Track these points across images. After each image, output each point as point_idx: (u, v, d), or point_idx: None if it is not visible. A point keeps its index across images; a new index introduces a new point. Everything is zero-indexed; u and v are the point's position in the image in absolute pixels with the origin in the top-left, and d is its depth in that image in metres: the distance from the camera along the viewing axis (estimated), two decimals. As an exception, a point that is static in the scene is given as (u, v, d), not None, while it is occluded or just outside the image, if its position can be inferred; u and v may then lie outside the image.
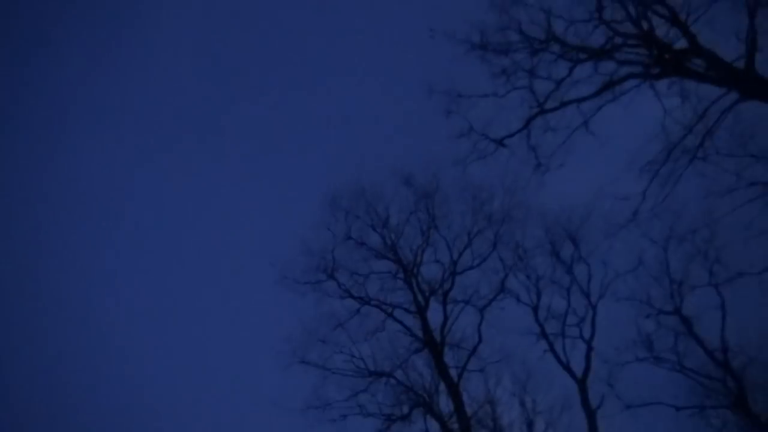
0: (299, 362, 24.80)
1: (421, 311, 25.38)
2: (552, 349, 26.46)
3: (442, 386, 24.56)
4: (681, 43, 17.13)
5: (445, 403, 24.90)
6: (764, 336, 26.37)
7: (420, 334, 25.08)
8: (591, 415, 23.95)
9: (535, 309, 27.50)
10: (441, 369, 23.70)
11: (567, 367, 25.71)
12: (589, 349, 26.18)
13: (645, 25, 18.03)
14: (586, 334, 26.65)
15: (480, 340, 25.23)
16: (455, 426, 22.82)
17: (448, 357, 25.43)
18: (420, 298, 25.69)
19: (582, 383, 25.01)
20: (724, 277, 24.57)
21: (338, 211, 26.44)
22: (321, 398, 24.59)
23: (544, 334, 27.02)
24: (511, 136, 20.22)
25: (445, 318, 25.15)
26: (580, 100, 19.13)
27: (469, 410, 28.84)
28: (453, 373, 24.48)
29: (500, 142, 20.48)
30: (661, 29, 17.84)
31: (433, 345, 24.22)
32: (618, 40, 18.78)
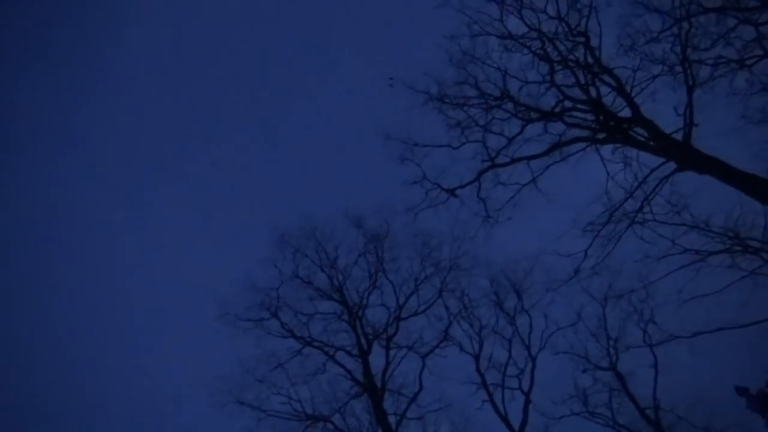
0: (235, 402, 23.97)
1: (364, 355, 25.05)
2: (491, 400, 26.47)
3: (380, 433, 24.17)
4: (625, 112, 18.19)
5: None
6: (693, 397, 27.28)
7: (361, 378, 24.65)
8: (527, 471, 23.88)
9: (477, 358, 27.64)
10: (380, 415, 23.24)
11: (505, 419, 25.69)
12: (527, 401, 26.29)
13: (593, 92, 19.08)
14: (525, 386, 26.83)
15: (421, 388, 25.03)
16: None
17: (388, 403, 25.09)
18: (363, 341, 25.41)
19: (520, 437, 24.98)
20: (658, 338, 25.29)
21: (287, 249, 26.23)
22: (254, 444, 23.76)
23: (484, 384, 27.08)
24: (462, 187, 20.76)
25: (387, 363, 24.91)
26: (530, 158, 19.87)
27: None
28: (392, 420, 24.07)
29: (452, 192, 20.94)
30: (608, 98, 18.99)
31: (373, 390, 23.81)
32: (568, 103, 19.73)
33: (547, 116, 19.93)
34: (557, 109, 19.79)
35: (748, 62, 17.68)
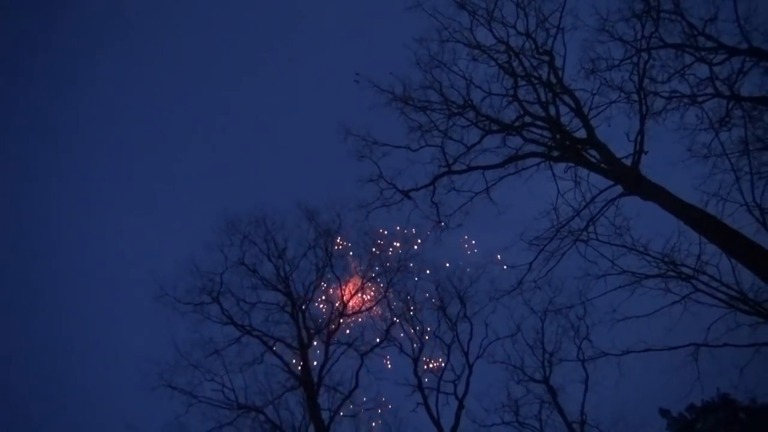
0: (166, 386, 23.35)
1: (303, 348, 24.79)
2: (425, 403, 26.70)
3: (312, 429, 23.98)
4: (581, 133, 18.71)
5: (310, 445, 24.30)
6: (617, 414, 28.33)
7: (298, 371, 24.39)
8: (454, 474, 24.18)
9: (416, 361, 27.85)
10: (313, 410, 23.04)
11: (437, 423, 25.95)
12: (460, 406, 26.63)
13: (552, 111, 19.54)
14: (460, 392, 27.17)
15: (356, 385, 24.98)
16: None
17: (323, 398, 24.94)
18: (304, 334, 25.15)
19: (450, 441, 25.29)
20: (590, 354, 26.06)
21: (234, 235, 25.74)
22: (182, 427, 23.18)
23: (420, 387, 27.30)
24: (417, 189, 20.90)
25: (326, 359, 24.75)
26: (485, 167, 20.18)
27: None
28: (325, 415, 23.97)
29: (406, 194, 21.06)
30: (566, 117, 19.50)
31: (309, 384, 23.59)
32: (527, 119, 20.15)
33: (506, 129, 20.30)
34: (517, 123, 20.19)
35: (700, 99, 18.51)
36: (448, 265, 27.73)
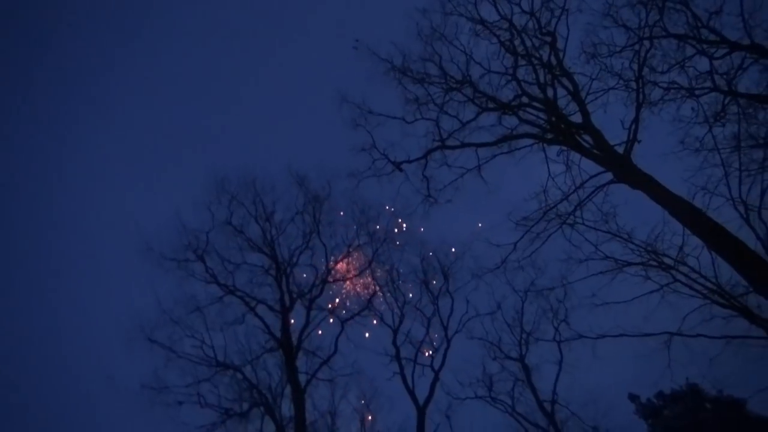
0: (145, 339, 23.49)
1: (285, 312, 24.94)
2: (401, 373, 27.13)
3: (288, 390, 24.29)
4: (576, 118, 18.70)
5: (287, 407, 24.61)
6: (588, 396, 29.03)
7: (278, 334, 24.58)
8: (425, 443, 24.70)
9: (395, 332, 28.19)
10: (291, 372, 23.30)
11: (411, 392, 26.40)
12: (436, 378, 27.09)
13: (550, 93, 19.47)
14: (437, 365, 27.62)
15: (335, 351, 25.30)
16: (291, 431, 22.52)
17: (301, 362, 25.21)
18: (287, 298, 25.28)
19: (422, 410, 25.74)
20: (567, 336, 26.50)
21: (223, 195, 25.61)
22: (160, 380, 23.38)
23: (397, 357, 27.70)
24: (409, 162, 20.86)
25: (307, 323, 24.93)
26: (479, 145, 20.16)
27: (309, 418, 29.02)
28: (302, 378, 24.31)
29: (398, 166, 21.01)
30: (563, 101, 19.44)
31: (288, 347, 23.81)
32: (524, 99, 20.07)
33: (503, 108, 20.22)
34: (514, 103, 20.11)
35: (697, 92, 18.52)
36: (434, 240, 27.96)
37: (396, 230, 26.79)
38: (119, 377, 23.90)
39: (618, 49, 18.38)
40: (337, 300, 26.42)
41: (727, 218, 14.42)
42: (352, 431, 32.72)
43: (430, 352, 27.98)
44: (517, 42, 20.03)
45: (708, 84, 18.16)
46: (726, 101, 18.14)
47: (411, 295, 28.91)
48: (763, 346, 14.58)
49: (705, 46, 17.76)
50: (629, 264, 17.55)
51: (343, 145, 21.53)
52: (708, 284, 15.79)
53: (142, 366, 23.59)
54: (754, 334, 14.67)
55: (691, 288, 16.17)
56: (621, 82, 18.25)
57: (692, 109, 18.71)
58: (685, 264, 16.36)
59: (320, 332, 25.75)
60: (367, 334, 27.14)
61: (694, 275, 16.06)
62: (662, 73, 18.59)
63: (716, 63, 17.36)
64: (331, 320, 25.97)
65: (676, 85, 18.53)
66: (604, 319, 17.80)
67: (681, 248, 16.11)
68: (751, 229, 15.20)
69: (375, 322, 27.56)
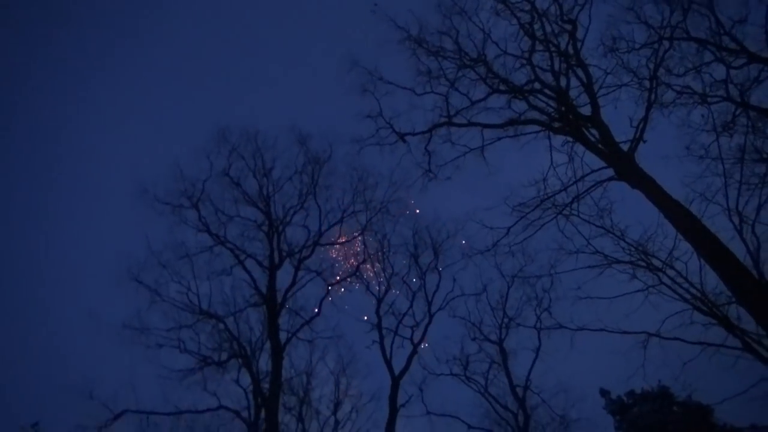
0: (132, 280, 23.60)
1: (273, 268, 25.02)
2: (381, 343, 27.44)
3: (268, 346, 24.52)
4: (585, 110, 18.58)
5: (265, 363, 24.91)
6: (560, 386, 29.60)
7: (264, 289, 24.73)
8: (394, 411, 25.07)
9: (380, 301, 28.44)
10: (272, 328, 23.50)
11: (388, 362, 26.73)
12: (414, 352, 27.42)
13: (563, 82, 19.30)
14: (416, 338, 27.92)
15: (318, 313, 25.57)
16: (266, 386, 22.81)
17: (284, 320, 25.43)
18: (276, 255, 25.34)
19: (396, 380, 26.11)
20: (547, 325, 26.82)
21: (224, 146, 25.45)
22: (142, 322, 23.59)
23: (379, 327, 28.00)
24: (413, 134, 20.76)
25: (293, 282, 25.06)
26: (485, 126, 20.05)
27: (285, 375, 29.43)
28: (283, 336, 24.56)
29: (402, 137, 20.90)
30: (574, 91, 19.29)
31: (272, 303, 23.95)
32: (537, 85, 19.90)
33: (514, 91, 20.04)
34: (526, 88, 19.95)
35: (710, 100, 18.42)
36: (429, 216, 28.02)
37: (391, 201, 26.75)
38: (102, 314, 24.12)
39: (638, 46, 18.20)
40: (326, 264, 26.52)
41: (721, 228, 14.48)
42: (326, 392, 33.36)
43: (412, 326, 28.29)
44: (536, 26, 19.75)
45: (721, 92, 18.09)
46: (737, 112, 18.08)
47: (399, 267, 29.17)
48: (737, 356, 14.80)
49: (724, 53, 17.62)
50: (618, 261, 17.67)
51: (348, 110, 21.39)
52: (692, 290, 15.94)
53: (125, 306, 23.82)
54: (731, 344, 14.86)
55: (675, 292, 16.35)
56: (635, 79, 18.14)
57: (702, 115, 18.71)
58: (672, 267, 16.48)
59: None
60: (349, 304, 27.41)
61: (680, 280, 16.20)
62: (677, 75, 18.49)
63: (732, 73, 17.28)
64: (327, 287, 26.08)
65: (689, 90, 18.46)
66: (586, 313, 18.01)
67: (671, 252, 16.23)
68: (742, 241, 15.30)
69: (358, 287, 27.84)
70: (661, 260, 16.67)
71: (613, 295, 17.39)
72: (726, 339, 15.11)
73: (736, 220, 14.66)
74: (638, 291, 16.92)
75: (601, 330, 17.10)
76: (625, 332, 16.63)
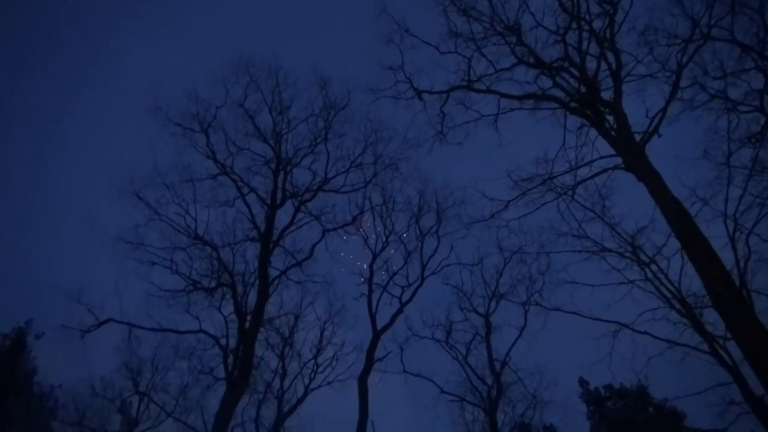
0: (132, 194, 23.77)
1: (274, 206, 24.99)
2: (369, 296, 27.72)
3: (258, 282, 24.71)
4: (606, 94, 18.13)
5: (253, 299, 25.16)
6: (538, 367, 29.87)
7: (261, 225, 24.87)
8: (370, 363, 25.46)
9: (375, 256, 28.62)
10: (263, 264, 23.74)
11: (372, 316, 27.01)
12: (400, 310, 27.64)
13: (591, 64, 18.78)
14: (405, 298, 28.09)
15: (310, 256, 25.55)
16: (249, 319, 23.13)
17: (279, 260, 25.69)
18: (279, 194, 25.38)
19: (378, 335, 26.44)
20: (536, 305, 26.90)
21: (243, 76, 25.12)
22: (138, 237, 23.91)
23: (369, 281, 28.27)
24: (430, 92, 20.52)
25: (291, 223, 25.08)
26: (504, 95, 19.72)
27: (273, 314, 29.95)
28: (273, 273, 24.83)
29: (419, 93, 20.68)
30: (602, 74, 18.79)
31: (267, 240, 24.16)
32: (565, 63, 19.42)
33: (541, 66, 19.61)
34: (555, 64, 19.48)
35: (741, 108, 17.94)
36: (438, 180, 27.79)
37: (402, 159, 26.52)
38: (99, 224, 24.48)
39: (679, 42, 17.53)
40: (326, 210, 26.51)
41: (714, 234, 14.26)
42: (310, 337, 34.03)
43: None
44: (577, 2, 19.15)
45: (756, 103, 17.60)
46: (765, 124, 17.62)
47: (399, 227, 29.20)
48: (700, 358, 14.79)
49: (766, 63, 17.07)
50: (609, 250, 17.56)
51: (370, 59, 21.11)
52: (671, 288, 15.83)
53: (123, 219, 24.14)
54: (698, 346, 14.82)
55: (657, 288, 16.25)
56: (663, 71, 17.62)
57: (730, 122, 18.26)
58: (657, 264, 16.34)
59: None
60: (345, 255, 27.51)
61: (661, 277, 16.08)
62: (714, 78, 17.96)
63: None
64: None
65: (723, 95, 17.97)
66: (575, 299, 18.01)
67: (660, 250, 16.05)
68: (733, 248, 15.06)
69: (356, 239, 27.96)
70: (648, 256, 16.54)
71: (598, 284, 17.37)
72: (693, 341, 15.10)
73: (730, 226, 14.40)
74: (621, 283, 16.89)
75: (575, 313, 17.15)
76: (598, 319, 16.67)
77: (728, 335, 12.98)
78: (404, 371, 29.24)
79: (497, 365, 29.66)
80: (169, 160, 25.06)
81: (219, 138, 24.85)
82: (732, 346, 14.29)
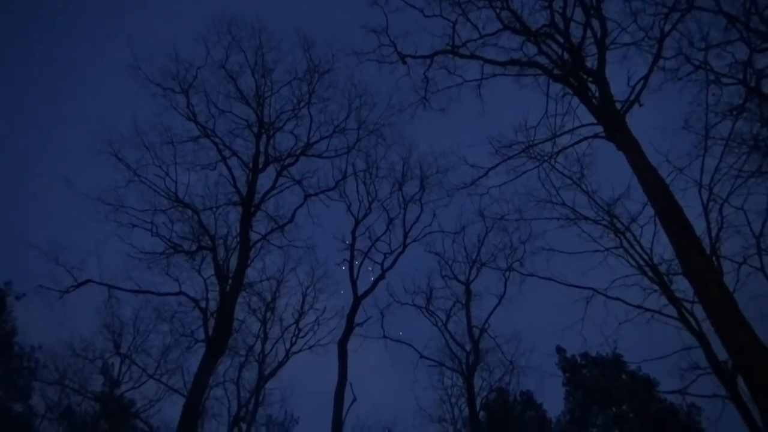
0: (112, 155, 23.33)
1: (256, 170, 24.69)
2: (351, 261, 27.86)
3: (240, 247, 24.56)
4: (592, 63, 18.02)
5: (234, 262, 25.04)
6: (515, 334, 30.37)
7: (244, 190, 24.65)
8: (350, 327, 25.69)
9: (357, 223, 28.66)
10: (244, 228, 23.61)
11: (354, 282, 27.19)
12: (381, 276, 27.85)
13: (578, 33, 18.62)
14: (387, 264, 28.27)
15: (291, 220, 25.46)
16: (229, 282, 23.12)
17: (261, 225, 25.49)
18: (261, 158, 25.11)
19: (358, 300, 26.64)
20: (514, 272, 27.20)
21: (225, 36, 24.54)
22: (118, 199, 23.55)
23: (352, 247, 28.36)
24: (414, 57, 20.25)
25: (273, 187, 24.91)
26: (488, 61, 19.54)
27: (256, 278, 30.02)
28: (255, 237, 24.71)
29: (403, 57, 20.41)
30: (587, 42, 18.65)
31: (249, 204, 23.98)
32: (551, 30, 19.23)
33: (527, 33, 19.40)
34: (541, 31, 19.28)
35: (724, 80, 17.95)
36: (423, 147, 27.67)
37: (386, 125, 26.35)
38: (78, 184, 24.08)
39: (664, 10, 17.38)
40: (308, 175, 26.35)
41: (689, 203, 14.40)
42: (292, 302, 34.26)
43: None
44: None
45: (739, 75, 17.63)
46: (747, 97, 17.70)
47: (383, 194, 29.21)
48: (669, 324, 15.11)
49: (751, 34, 17.04)
50: (585, 218, 17.71)
51: (354, 21, 20.69)
52: (644, 255, 16.05)
53: (102, 179, 23.77)
54: (667, 312, 15.13)
55: (631, 256, 16.47)
56: (647, 40, 17.51)
57: (713, 95, 18.31)
58: (631, 232, 16.53)
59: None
60: (328, 221, 27.44)
61: (635, 244, 16.28)
62: (699, 50, 17.91)
63: (754, 57, 16.79)
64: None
65: (708, 67, 17.96)
66: (544, 264, 18.20)
67: (635, 218, 16.21)
68: (705, 217, 15.26)
69: (338, 204, 27.85)
70: (623, 224, 16.70)
71: (575, 252, 17.53)
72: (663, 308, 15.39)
73: (705, 195, 14.56)
74: (597, 251, 17.08)
75: (549, 279, 17.35)
76: (572, 285, 16.90)
77: (696, 300, 13.27)
78: (384, 336, 29.67)
79: (476, 332, 30.16)
80: (149, 121, 24.64)
81: (200, 99, 24.44)
82: (699, 312, 14.75)
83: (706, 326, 14.66)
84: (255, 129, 25.41)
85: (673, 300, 14.89)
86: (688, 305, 14.80)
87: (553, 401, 39.49)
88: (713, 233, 14.86)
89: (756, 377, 9.99)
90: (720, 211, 15.15)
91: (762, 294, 14.45)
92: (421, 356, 30.20)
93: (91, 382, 32.32)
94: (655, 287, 15.52)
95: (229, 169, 24.49)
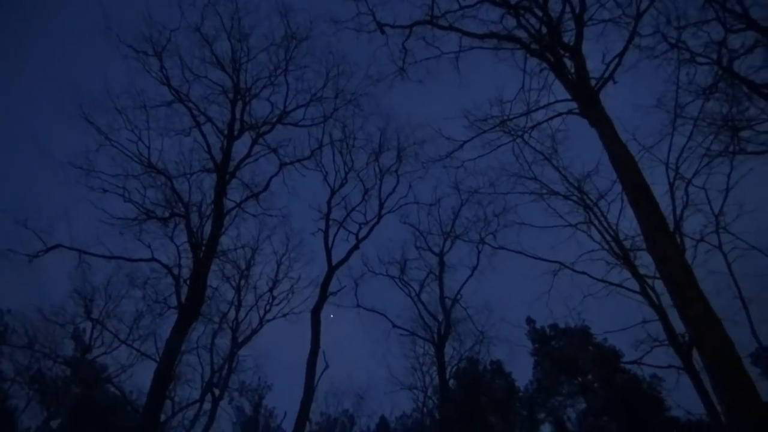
0: (82, 117, 22.81)
1: (231, 138, 24.39)
2: (326, 231, 27.92)
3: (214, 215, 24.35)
4: (569, 39, 18.05)
5: (208, 229, 24.85)
6: (487, 305, 30.99)
7: (218, 157, 24.33)
8: (324, 296, 25.89)
9: (333, 192, 28.65)
10: (219, 195, 23.39)
11: (329, 251, 27.31)
12: (356, 246, 27.98)
13: (557, 7, 18.60)
14: (362, 235, 28.39)
15: (266, 188, 25.37)
16: (203, 250, 22.98)
17: (236, 193, 25.29)
18: (237, 125, 24.77)
19: (332, 269, 26.79)
20: (488, 246, 27.57)
21: (200, -2, 23.87)
22: (88, 163, 23.10)
23: (327, 216, 28.39)
24: (393, 26, 20.06)
25: (248, 155, 24.70)
26: (466, 33, 19.43)
27: (230, 245, 29.94)
28: (229, 205, 24.51)
29: (381, 27, 20.20)
30: (565, 17, 18.65)
31: (223, 171, 23.72)
32: (530, 4, 19.16)
33: (507, 5, 19.31)
34: (522, 4, 19.21)
35: (699, 60, 18.15)
36: (400, 119, 27.59)
37: (364, 95, 26.16)
38: (48, 147, 23.60)
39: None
40: (284, 143, 26.14)
41: (656, 181, 14.72)
42: (267, 271, 34.34)
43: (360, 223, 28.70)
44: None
45: (713, 55, 17.82)
46: (720, 76, 17.93)
47: (359, 164, 29.16)
48: (630, 297, 15.57)
49: (727, 14, 17.20)
50: (556, 193, 17.97)
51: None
52: (610, 231, 16.42)
53: (73, 144, 23.25)
54: (629, 286, 15.56)
55: (598, 231, 16.83)
56: (624, 17, 17.58)
57: (687, 74, 18.54)
58: (599, 208, 16.87)
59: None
60: (304, 190, 27.36)
61: (602, 218, 16.63)
62: (676, 28, 18.06)
63: (728, 38, 16.97)
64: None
65: (683, 45, 18.13)
66: (514, 238, 18.48)
67: (603, 195, 16.50)
68: (671, 195, 15.62)
69: (315, 173, 27.69)
70: (592, 200, 17.01)
71: (545, 227, 17.83)
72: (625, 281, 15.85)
73: (671, 174, 14.85)
74: (566, 226, 17.40)
75: (519, 252, 17.68)
76: (540, 258, 17.25)
77: (657, 276, 13.67)
78: (358, 305, 30.05)
79: (448, 302, 30.68)
80: (121, 84, 24.16)
81: (174, 64, 23.96)
82: (659, 287, 15.24)
83: (666, 300, 15.37)
84: (231, 95, 25.03)
85: (636, 275, 15.32)
86: (649, 281, 15.32)
87: (522, 371, 40.59)
88: (678, 211, 15.27)
89: (710, 349, 10.42)
90: (686, 189, 15.52)
91: (719, 270, 15.07)
92: (394, 326, 30.72)
93: (62, 347, 32.24)
94: (619, 262, 15.95)
95: (203, 135, 24.15)
